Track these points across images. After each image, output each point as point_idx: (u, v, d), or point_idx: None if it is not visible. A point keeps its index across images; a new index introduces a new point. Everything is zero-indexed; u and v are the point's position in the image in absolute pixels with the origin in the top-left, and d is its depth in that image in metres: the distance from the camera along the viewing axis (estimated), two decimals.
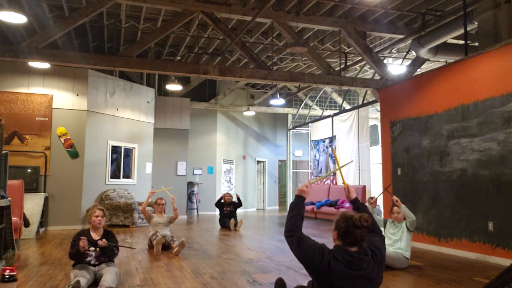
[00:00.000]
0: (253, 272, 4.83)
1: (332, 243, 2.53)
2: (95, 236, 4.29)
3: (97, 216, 4.30)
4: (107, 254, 4.23)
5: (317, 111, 14.83)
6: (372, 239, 2.57)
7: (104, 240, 4.19)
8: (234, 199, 10.05)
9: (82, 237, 4.04)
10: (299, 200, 2.73)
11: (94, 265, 4.14)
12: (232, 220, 9.25)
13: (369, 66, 11.11)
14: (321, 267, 2.38)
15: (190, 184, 13.33)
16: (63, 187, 9.05)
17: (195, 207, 13.38)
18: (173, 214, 6.67)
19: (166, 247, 6.25)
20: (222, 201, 9.80)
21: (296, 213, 2.64)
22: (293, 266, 5.10)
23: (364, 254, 2.41)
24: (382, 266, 2.49)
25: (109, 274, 3.95)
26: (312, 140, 14.47)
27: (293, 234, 2.52)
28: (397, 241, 5.10)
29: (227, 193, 9.98)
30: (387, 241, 5.13)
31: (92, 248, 4.15)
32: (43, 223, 8.55)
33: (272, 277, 4.53)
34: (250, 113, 14.29)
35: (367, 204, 7.54)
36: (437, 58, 8.41)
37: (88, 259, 4.14)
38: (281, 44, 9.97)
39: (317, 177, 3.37)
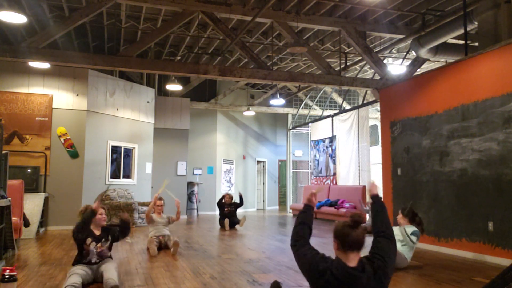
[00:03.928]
0: (253, 272, 4.83)
1: (330, 252, 2.52)
2: (97, 232, 4.36)
3: (101, 214, 4.39)
4: (124, 230, 4.50)
5: (317, 111, 14.83)
6: (378, 245, 2.50)
7: (126, 215, 4.57)
8: (236, 198, 10.06)
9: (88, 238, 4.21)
10: (306, 209, 2.75)
11: (95, 263, 4.16)
12: (227, 220, 9.28)
13: (369, 66, 11.11)
14: (315, 278, 2.36)
15: (190, 184, 13.33)
16: (63, 187, 9.05)
17: (195, 207, 13.38)
18: (175, 217, 6.66)
19: (165, 247, 6.25)
20: (223, 201, 9.81)
21: (300, 222, 2.68)
22: (293, 266, 5.10)
23: (361, 271, 2.32)
24: (386, 275, 2.39)
25: (111, 272, 3.94)
26: (312, 140, 14.47)
27: (294, 245, 2.58)
28: (398, 241, 5.11)
29: (227, 194, 9.99)
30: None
31: (93, 243, 4.19)
32: (43, 223, 8.55)
33: (272, 277, 4.53)
34: (250, 113, 14.29)
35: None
36: (437, 58, 8.41)
37: (89, 258, 4.15)
38: (281, 44, 9.97)
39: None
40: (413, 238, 5.07)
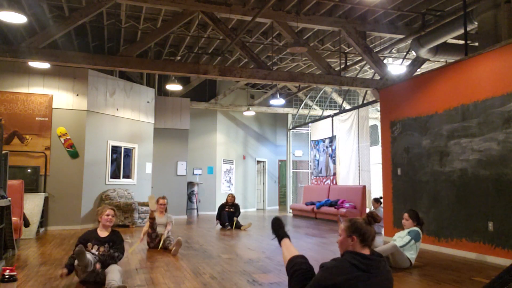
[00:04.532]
0: (253, 272, 4.83)
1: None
2: (102, 234, 4.35)
3: (108, 215, 4.41)
4: (109, 262, 4.18)
5: (317, 111, 14.83)
6: None
7: (98, 264, 4.07)
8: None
9: (64, 269, 4.01)
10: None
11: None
12: (229, 228, 9.29)
13: (369, 66, 11.11)
14: (345, 277, 2.36)
15: (190, 184, 13.33)
16: (63, 187, 9.05)
17: (195, 207, 13.38)
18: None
19: (165, 247, 6.24)
20: (224, 202, 9.80)
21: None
22: None
23: (379, 256, 2.46)
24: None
25: (114, 273, 3.91)
26: (312, 140, 14.47)
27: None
28: (402, 240, 5.13)
29: (230, 194, 9.99)
30: (397, 242, 5.15)
31: (95, 247, 4.18)
32: (43, 223, 8.55)
33: (272, 277, 4.53)
34: (250, 113, 14.29)
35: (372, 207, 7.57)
36: (437, 58, 8.41)
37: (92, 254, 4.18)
38: (281, 44, 9.97)
39: None
40: (406, 239, 5.06)
